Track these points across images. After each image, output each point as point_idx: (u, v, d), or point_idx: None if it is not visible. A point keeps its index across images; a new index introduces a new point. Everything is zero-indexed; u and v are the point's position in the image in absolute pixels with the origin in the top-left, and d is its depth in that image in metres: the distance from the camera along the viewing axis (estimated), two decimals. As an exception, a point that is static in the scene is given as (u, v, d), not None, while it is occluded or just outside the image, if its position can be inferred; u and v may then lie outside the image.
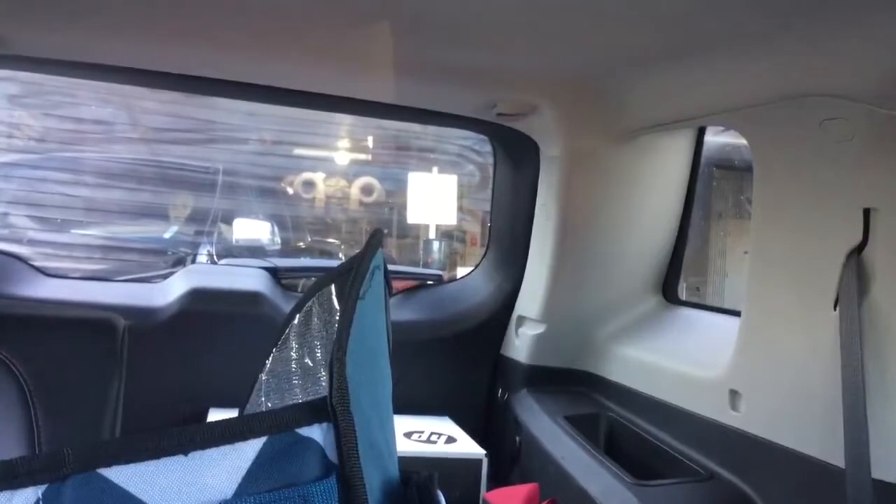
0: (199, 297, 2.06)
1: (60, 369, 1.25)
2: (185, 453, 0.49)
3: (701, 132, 1.96)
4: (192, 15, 1.39)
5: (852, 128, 1.19)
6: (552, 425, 1.87)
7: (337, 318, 0.73)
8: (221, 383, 1.91)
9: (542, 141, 2.00)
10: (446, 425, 2.12)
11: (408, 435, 1.99)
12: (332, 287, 0.78)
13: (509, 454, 2.03)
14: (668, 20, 1.24)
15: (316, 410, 0.54)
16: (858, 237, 1.20)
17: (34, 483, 0.48)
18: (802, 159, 1.31)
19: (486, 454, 1.92)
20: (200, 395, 2.01)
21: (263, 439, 0.51)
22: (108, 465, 0.48)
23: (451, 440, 1.99)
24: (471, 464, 1.91)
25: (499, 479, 2.00)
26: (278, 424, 0.52)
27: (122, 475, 0.49)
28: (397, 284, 2.43)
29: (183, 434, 0.50)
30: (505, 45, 1.47)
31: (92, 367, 1.29)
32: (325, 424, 0.53)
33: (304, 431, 0.53)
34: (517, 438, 2.00)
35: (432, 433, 2.03)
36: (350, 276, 0.67)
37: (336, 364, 0.54)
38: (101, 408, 1.33)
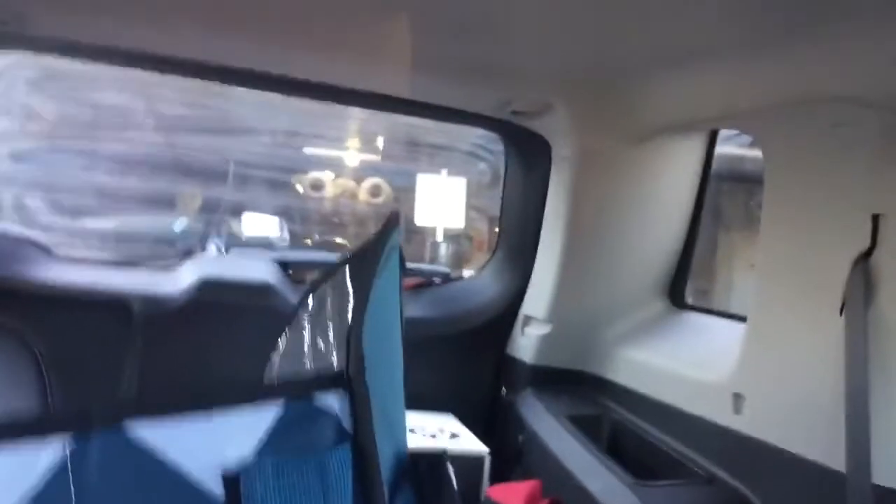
0: (209, 287, 2.06)
1: (74, 346, 1.26)
2: (208, 411, 0.51)
3: (713, 136, 1.96)
4: (211, 2, 1.40)
5: (863, 133, 1.19)
6: (555, 425, 1.88)
7: (349, 299, 0.75)
8: (231, 371, 1.91)
9: (555, 141, 2.01)
10: (450, 422, 2.12)
11: (411, 430, 1.99)
12: (346, 269, 0.79)
13: (512, 452, 2.04)
14: (684, 22, 1.26)
15: (333, 379, 0.55)
16: (866, 243, 1.21)
17: (61, 435, 0.49)
18: (813, 164, 1.32)
19: (488, 451, 1.93)
20: (211, 383, 2.02)
21: (282, 404, 0.53)
22: (133, 417, 0.49)
23: (454, 436, 2.00)
24: (473, 461, 1.92)
25: (501, 476, 2.00)
26: (297, 389, 0.53)
27: (147, 434, 0.50)
28: (405, 281, 2.42)
29: (206, 391, 0.51)
30: (521, 43, 1.48)
31: (106, 345, 1.30)
32: (341, 392, 0.55)
33: (321, 399, 0.54)
34: (520, 437, 2.01)
35: (435, 429, 2.03)
36: (365, 257, 0.69)
37: (353, 336, 0.55)
38: (114, 385, 1.35)
